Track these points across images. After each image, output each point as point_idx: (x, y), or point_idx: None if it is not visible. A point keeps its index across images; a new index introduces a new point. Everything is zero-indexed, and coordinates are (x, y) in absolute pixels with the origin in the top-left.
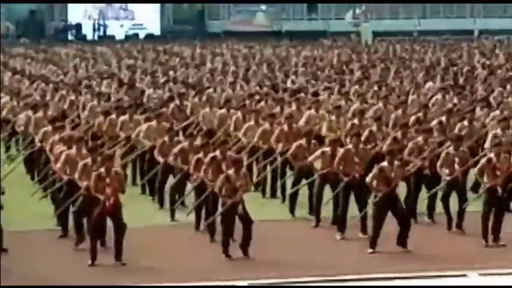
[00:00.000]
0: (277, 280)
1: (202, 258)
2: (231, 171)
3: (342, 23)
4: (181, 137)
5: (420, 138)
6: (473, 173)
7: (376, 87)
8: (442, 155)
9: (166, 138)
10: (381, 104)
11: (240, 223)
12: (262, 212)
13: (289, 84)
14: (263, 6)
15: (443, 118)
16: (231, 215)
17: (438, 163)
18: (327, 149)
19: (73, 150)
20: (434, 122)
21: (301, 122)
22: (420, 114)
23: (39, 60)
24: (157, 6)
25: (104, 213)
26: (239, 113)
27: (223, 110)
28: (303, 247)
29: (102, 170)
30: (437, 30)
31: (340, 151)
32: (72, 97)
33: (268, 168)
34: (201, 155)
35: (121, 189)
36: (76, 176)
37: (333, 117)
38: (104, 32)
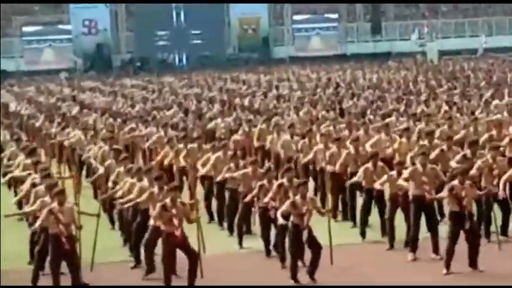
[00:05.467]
0: None
1: (274, 284)
2: (297, 197)
3: (407, 43)
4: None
5: (489, 157)
6: None
7: (446, 107)
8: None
9: (232, 165)
10: (445, 126)
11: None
12: (334, 235)
13: (349, 107)
14: (318, 31)
15: None
16: (298, 240)
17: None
18: (393, 172)
19: (145, 182)
20: (506, 140)
21: (368, 145)
22: (493, 132)
23: (107, 93)
24: (222, 35)
25: (173, 244)
26: (306, 138)
27: (287, 136)
28: (374, 270)
29: (168, 200)
30: (504, 47)
31: (407, 170)
32: (141, 129)
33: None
34: (264, 181)
35: (187, 219)
36: (140, 201)
37: (403, 140)
38: (170, 62)
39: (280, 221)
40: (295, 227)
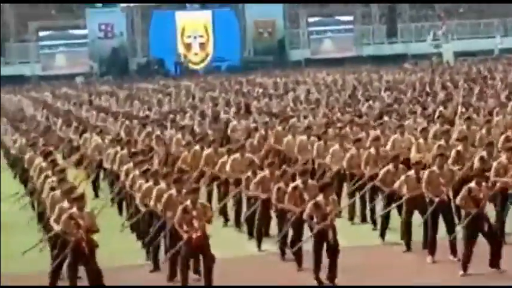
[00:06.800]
0: None
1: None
2: (319, 197)
3: (423, 45)
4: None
5: (503, 158)
6: None
7: (462, 109)
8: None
9: (250, 173)
10: (464, 126)
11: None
12: (352, 237)
13: (364, 109)
14: (334, 33)
15: None
16: (321, 241)
17: None
18: (411, 172)
19: (163, 185)
20: None
21: (388, 147)
22: (509, 133)
23: (124, 97)
24: (237, 38)
25: (192, 246)
26: (322, 140)
27: (304, 137)
28: (394, 272)
29: (188, 203)
30: None
31: (425, 173)
32: (158, 132)
33: (357, 193)
34: (281, 184)
35: (207, 220)
36: (159, 207)
37: (421, 140)
38: (186, 66)
39: (310, 223)
40: (321, 229)
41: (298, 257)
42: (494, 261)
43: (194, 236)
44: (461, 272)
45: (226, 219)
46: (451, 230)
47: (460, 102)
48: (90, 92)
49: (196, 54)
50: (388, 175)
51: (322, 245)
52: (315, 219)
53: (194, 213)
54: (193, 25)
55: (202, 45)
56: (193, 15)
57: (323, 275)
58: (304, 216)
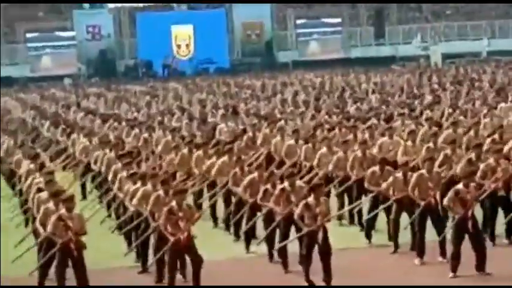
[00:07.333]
0: None
1: None
2: (310, 198)
3: (411, 47)
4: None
5: (492, 160)
6: None
7: (449, 110)
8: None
9: (237, 169)
10: (450, 130)
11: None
12: (340, 239)
13: (352, 111)
14: (321, 35)
15: None
16: (312, 243)
17: None
18: (398, 174)
19: (149, 187)
20: (510, 144)
21: (375, 149)
22: (496, 136)
23: (111, 99)
24: (225, 40)
25: (179, 247)
26: (309, 143)
27: (292, 140)
28: (382, 274)
29: (174, 204)
30: (506, 50)
31: (414, 176)
32: (146, 134)
33: (345, 195)
34: (268, 186)
35: (193, 222)
36: (147, 208)
37: (409, 143)
38: (174, 68)
39: (301, 224)
40: (310, 230)
41: (284, 259)
42: (480, 264)
43: (182, 237)
44: (451, 274)
45: (216, 222)
46: (440, 232)
47: (447, 105)
48: (78, 93)
49: (183, 51)
50: (374, 177)
51: (312, 247)
52: (306, 220)
53: (180, 214)
54: (182, 35)
55: (187, 46)
56: (181, 29)
57: (313, 276)
58: (295, 216)
